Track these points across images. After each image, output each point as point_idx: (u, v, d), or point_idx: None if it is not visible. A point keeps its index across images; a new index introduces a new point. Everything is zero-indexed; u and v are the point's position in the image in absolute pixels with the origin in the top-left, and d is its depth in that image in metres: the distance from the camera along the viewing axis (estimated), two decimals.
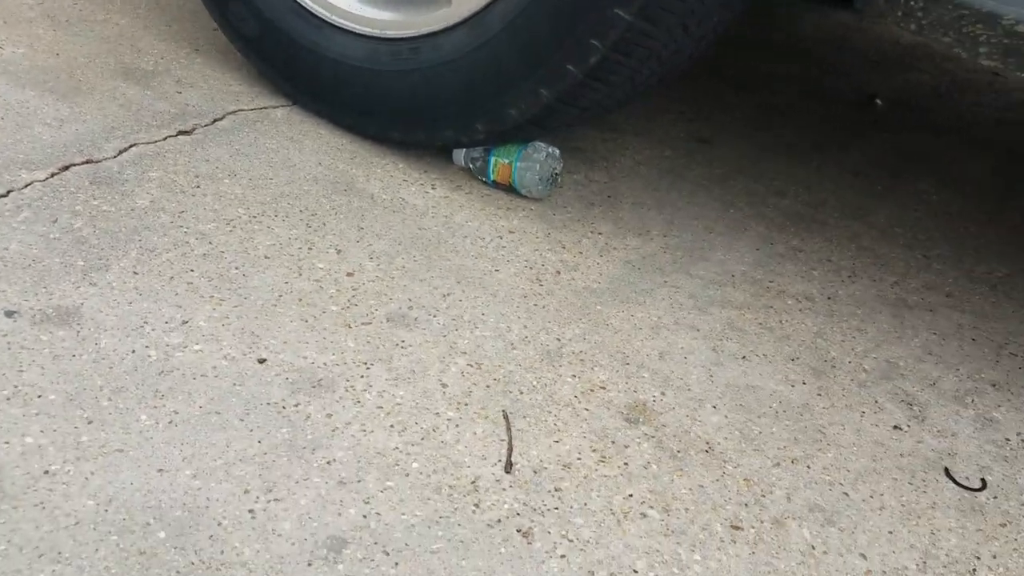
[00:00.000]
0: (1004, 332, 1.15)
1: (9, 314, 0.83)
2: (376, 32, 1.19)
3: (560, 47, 1.03)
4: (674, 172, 1.37)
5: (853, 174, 1.50)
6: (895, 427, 0.95)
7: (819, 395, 0.97)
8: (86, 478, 0.69)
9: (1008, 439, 0.96)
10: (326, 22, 1.21)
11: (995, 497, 0.88)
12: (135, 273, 0.91)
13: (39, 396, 0.75)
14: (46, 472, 0.69)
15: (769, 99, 1.75)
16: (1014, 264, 1.31)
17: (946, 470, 0.91)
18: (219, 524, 0.68)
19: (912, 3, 0.92)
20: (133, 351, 0.82)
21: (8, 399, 0.74)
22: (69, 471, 0.69)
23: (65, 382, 0.77)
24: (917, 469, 0.90)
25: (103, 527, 0.66)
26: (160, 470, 0.71)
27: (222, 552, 0.66)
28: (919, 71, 2.04)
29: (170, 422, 0.75)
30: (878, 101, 1.87)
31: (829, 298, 1.15)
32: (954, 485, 0.89)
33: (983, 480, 0.90)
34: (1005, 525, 0.85)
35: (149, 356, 0.81)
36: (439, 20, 1.14)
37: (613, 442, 0.84)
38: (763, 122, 1.63)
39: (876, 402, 0.98)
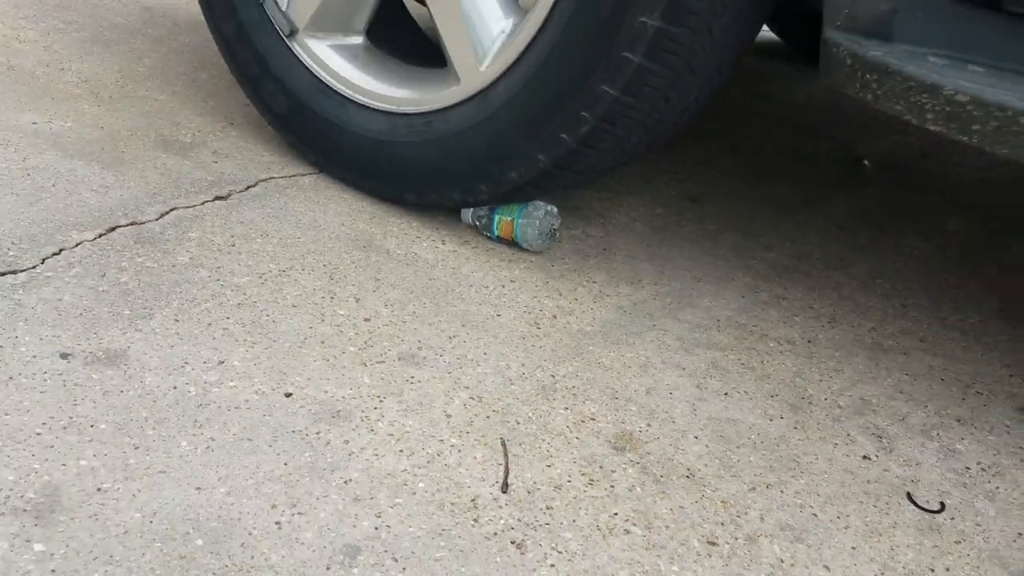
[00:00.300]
0: (972, 373, 1.23)
1: (64, 356, 0.94)
2: (394, 108, 1.32)
3: (555, 119, 1.16)
4: (666, 228, 1.48)
5: (838, 228, 1.61)
6: (864, 457, 1.03)
7: (795, 428, 1.06)
8: (133, 495, 0.79)
9: (968, 467, 1.05)
10: (349, 99, 1.35)
11: (952, 518, 0.96)
12: (176, 320, 1.02)
13: (91, 426, 0.86)
14: (98, 489, 0.79)
15: (759, 161, 1.86)
16: (987, 312, 1.40)
17: (908, 495, 0.99)
18: (250, 533, 0.78)
19: (868, 76, 1.04)
20: (175, 387, 0.92)
21: (64, 428, 0.85)
22: (119, 488, 0.80)
23: (114, 414, 0.88)
24: (882, 493, 0.98)
25: (148, 535, 0.76)
26: (198, 488, 0.81)
27: (252, 557, 0.75)
28: (906, 134, 2.16)
29: (207, 447, 0.86)
30: (865, 162, 1.99)
31: (809, 341, 1.24)
32: (915, 508, 0.97)
33: (942, 503, 0.98)
34: (960, 542, 0.93)
35: (189, 391, 0.92)
36: (449, 97, 1.26)
37: (601, 467, 0.93)
38: (753, 182, 1.74)
39: (848, 435, 1.07)
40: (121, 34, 1.91)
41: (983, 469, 1.05)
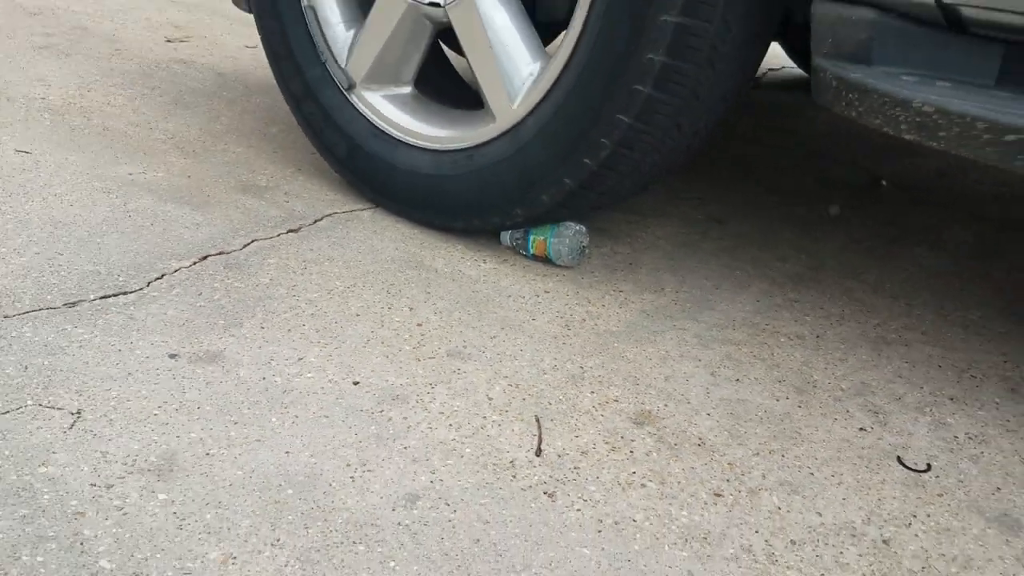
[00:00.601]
0: (968, 360, 1.36)
1: (172, 356, 1.13)
2: (439, 146, 1.51)
3: (578, 146, 1.33)
4: (689, 245, 1.64)
5: (854, 242, 1.74)
6: (861, 429, 1.17)
7: (799, 407, 1.20)
8: (235, 457, 0.97)
9: (956, 436, 1.17)
10: (400, 141, 1.55)
11: (937, 477, 1.09)
12: (262, 328, 1.21)
13: (198, 408, 1.05)
14: (207, 454, 0.97)
15: (781, 185, 2.01)
16: (989, 309, 1.52)
17: (898, 458, 1.12)
18: (330, 485, 0.95)
19: (851, 95, 1.19)
20: (263, 378, 1.11)
21: (176, 410, 1.04)
22: (223, 454, 0.98)
23: (216, 399, 1.06)
24: (874, 457, 1.11)
25: (249, 487, 0.93)
26: (287, 452, 0.99)
27: (332, 502, 0.93)
28: (924, 156, 2.29)
29: (292, 423, 1.04)
30: (883, 183, 2.12)
31: (817, 336, 1.38)
32: (903, 468, 1.10)
33: (928, 464, 1.11)
34: (942, 495, 1.06)
35: (275, 381, 1.11)
36: (486, 134, 1.45)
37: (622, 437, 1.09)
38: (774, 204, 1.89)
39: (847, 411, 1.20)
40: (199, 97, 2.16)
41: (970, 438, 1.17)
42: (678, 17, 1.20)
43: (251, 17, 1.73)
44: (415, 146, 1.54)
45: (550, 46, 1.47)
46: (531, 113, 1.37)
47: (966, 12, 1.10)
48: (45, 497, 0.89)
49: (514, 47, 1.40)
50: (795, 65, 2.96)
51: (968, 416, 1.22)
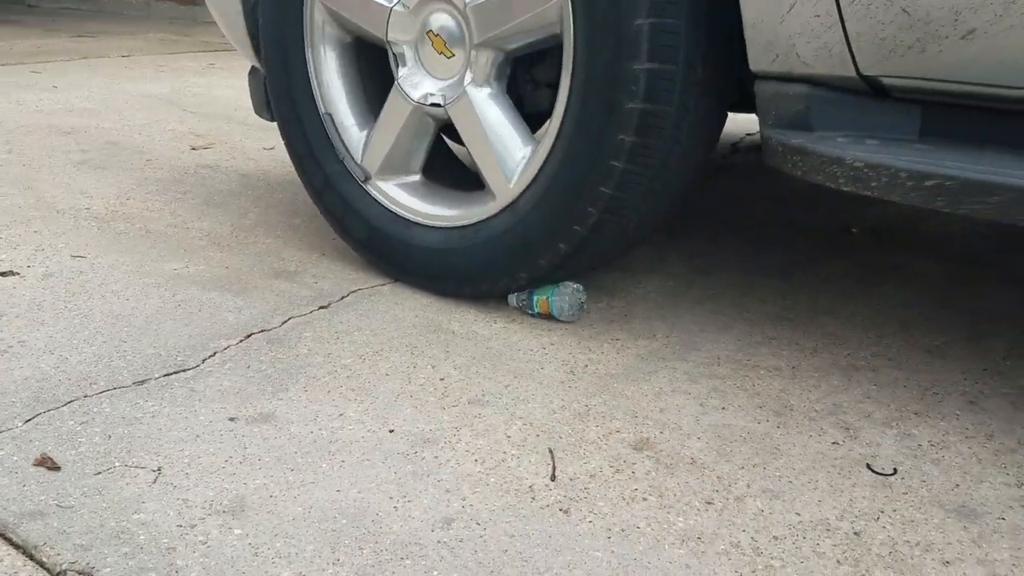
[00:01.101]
0: (931, 380, 1.53)
1: (231, 419, 1.31)
2: (447, 224, 1.71)
3: (569, 215, 1.53)
4: (676, 295, 1.82)
5: (826, 283, 1.93)
6: (833, 442, 1.33)
7: (778, 427, 1.37)
8: (295, 497, 1.14)
9: (920, 444, 1.33)
10: (412, 222, 1.75)
11: (902, 478, 1.25)
12: (305, 390, 1.40)
13: (259, 459, 1.22)
14: (271, 496, 1.15)
15: (761, 236, 2.21)
16: (953, 335, 1.69)
17: (867, 465, 1.28)
18: (376, 514, 1.12)
19: (794, 158, 1.38)
20: (312, 432, 1.29)
21: (240, 462, 1.21)
22: (284, 495, 1.15)
23: (273, 452, 1.24)
24: (845, 465, 1.27)
25: (309, 519, 1.10)
26: (338, 490, 1.16)
27: (380, 527, 1.09)
28: (893, 205, 2.48)
29: (340, 466, 1.21)
30: (854, 230, 2.31)
31: (793, 367, 1.56)
32: (872, 473, 1.26)
33: (895, 469, 1.27)
34: (907, 493, 1.22)
35: (322, 434, 1.28)
36: (489, 211, 1.66)
37: (624, 461, 1.26)
38: (753, 254, 2.08)
39: (822, 429, 1.37)
40: (227, 197, 2.39)
41: (932, 444, 1.33)
42: (642, 104, 1.41)
43: (265, 123, 1.96)
44: (427, 225, 1.74)
45: (537, 132, 1.68)
46: (526, 190, 1.58)
47: (886, 81, 1.30)
48: (141, 537, 1.06)
49: (507, 136, 1.61)
50: None
51: (931, 427, 1.38)
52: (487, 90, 1.64)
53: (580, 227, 1.52)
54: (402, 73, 1.73)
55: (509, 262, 1.62)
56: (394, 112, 1.74)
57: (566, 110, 1.50)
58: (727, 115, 1.62)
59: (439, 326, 1.64)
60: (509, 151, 1.61)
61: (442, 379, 1.45)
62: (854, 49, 1.28)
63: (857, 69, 1.29)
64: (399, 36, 1.71)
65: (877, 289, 1.91)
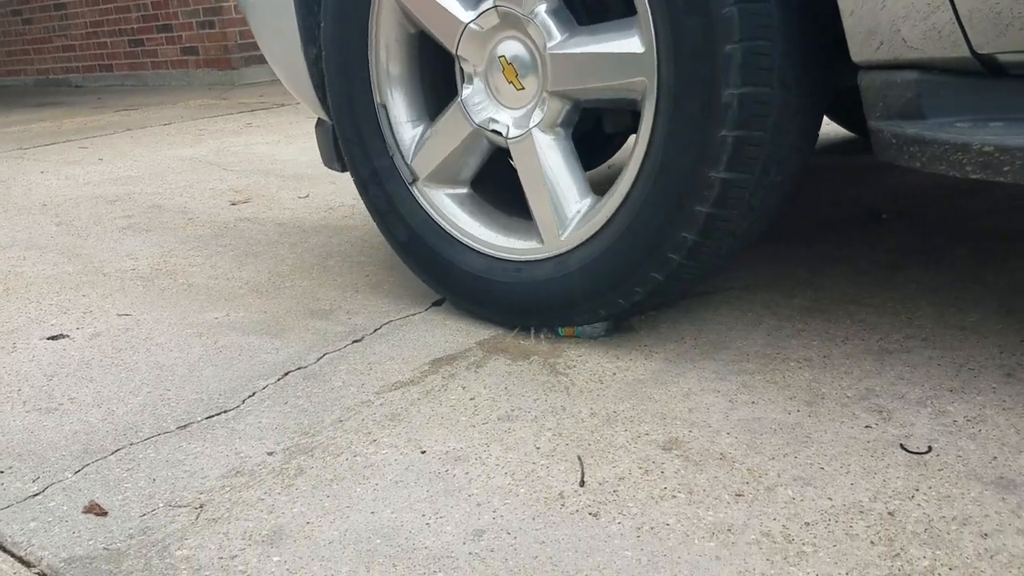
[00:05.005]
0: (965, 356, 1.50)
1: (270, 453, 1.36)
2: (491, 252, 1.71)
3: (615, 287, 1.53)
4: (703, 297, 1.83)
5: (857, 272, 1.91)
6: (866, 426, 1.32)
7: (809, 416, 1.36)
8: (331, 523, 1.18)
9: (955, 420, 1.31)
10: (455, 238, 1.74)
11: (938, 456, 1.23)
12: (340, 421, 1.44)
13: (295, 488, 1.26)
14: (307, 523, 1.18)
15: (788, 231, 2.20)
16: (986, 311, 1.67)
17: (901, 445, 1.27)
18: (410, 531, 1.14)
19: (912, 149, 1.29)
20: (347, 459, 1.32)
21: (279, 493, 1.25)
22: (320, 521, 1.18)
23: (310, 480, 1.28)
24: (879, 448, 1.26)
25: (344, 542, 1.13)
26: (372, 512, 1.19)
27: (413, 544, 1.12)
28: (918, 187, 2.45)
29: (374, 489, 1.24)
30: (883, 216, 2.29)
31: (824, 357, 1.55)
32: (906, 453, 1.25)
33: (929, 447, 1.26)
34: (942, 469, 1.20)
35: (356, 460, 1.32)
36: (534, 253, 1.64)
37: (653, 462, 1.26)
38: (782, 250, 2.08)
39: (854, 414, 1.36)
40: (265, 246, 2.46)
41: (968, 420, 1.32)
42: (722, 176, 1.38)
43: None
44: (468, 246, 1.73)
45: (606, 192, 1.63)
46: (579, 247, 1.56)
47: (1003, 58, 1.20)
48: (183, 572, 1.10)
49: (565, 185, 1.60)
50: None
51: (966, 402, 1.36)
52: (552, 136, 1.61)
53: (623, 300, 1.53)
54: (467, 92, 1.70)
55: (545, 308, 1.62)
56: (452, 127, 1.71)
57: (628, 194, 1.49)
58: (813, 151, 1.56)
59: (468, 349, 1.67)
60: (565, 201, 1.60)
61: (472, 399, 1.48)
62: (966, 27, 1.18)
63: (971, 48, 1.20)
64: (470, 55, 1.67)
65: (907, 273, 1.88)
